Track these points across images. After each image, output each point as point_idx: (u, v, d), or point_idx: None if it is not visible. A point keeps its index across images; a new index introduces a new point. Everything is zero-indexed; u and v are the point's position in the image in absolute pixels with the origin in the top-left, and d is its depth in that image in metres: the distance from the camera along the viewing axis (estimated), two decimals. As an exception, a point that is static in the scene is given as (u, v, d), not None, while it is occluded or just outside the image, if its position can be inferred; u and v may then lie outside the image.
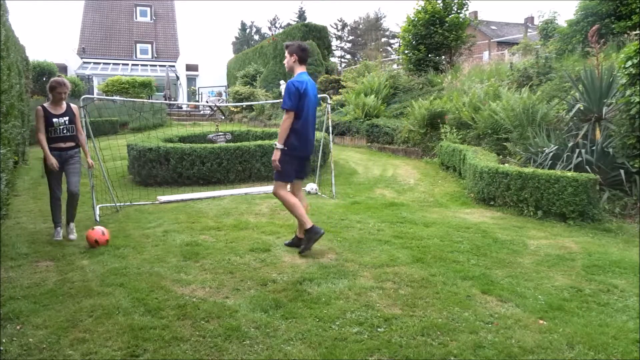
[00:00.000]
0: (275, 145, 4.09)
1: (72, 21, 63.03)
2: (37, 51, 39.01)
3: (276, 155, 4.09)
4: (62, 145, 4.74)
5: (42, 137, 4.63)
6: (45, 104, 4.77)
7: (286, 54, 4.27)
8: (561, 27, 12.80)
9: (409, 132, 11.13)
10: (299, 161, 4.27)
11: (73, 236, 4.79)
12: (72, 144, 4.82)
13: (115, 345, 2.62)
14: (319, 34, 20.56)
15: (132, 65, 30.34)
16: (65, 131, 4.74)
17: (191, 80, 33.28)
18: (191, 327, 2.84)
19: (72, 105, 4.88)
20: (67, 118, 4.75)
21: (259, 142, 8.68)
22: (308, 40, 19.59)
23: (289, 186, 4.38)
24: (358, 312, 3.04)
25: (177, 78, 30.62)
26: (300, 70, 4.23)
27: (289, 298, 3.25)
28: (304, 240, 4.19)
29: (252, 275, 3.68)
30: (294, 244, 4.38)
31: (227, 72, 29.96)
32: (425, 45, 14.77)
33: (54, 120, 4.69)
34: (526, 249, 4.43)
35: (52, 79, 4.79)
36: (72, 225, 4.88)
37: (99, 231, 4.49)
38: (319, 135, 8.99)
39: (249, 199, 6.61)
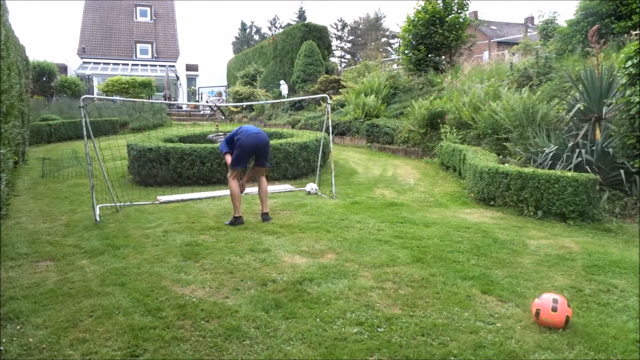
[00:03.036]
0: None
1: (72, 21, 63.07)
2: (37, 51, 39.03)
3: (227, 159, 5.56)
4: None
5: None
6: None
7: None
8: (561, 27, 12.78)
9: (409, 132, 11.13)
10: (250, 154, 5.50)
11: None
12: None
13: (115, 345, 2.62)
14: (319, 34, 20.55)
15: (132, 65, 30.33)
16: None
17: (191, 80, 33.28)
18: (191, 327, 2.84)
19: None
20: None
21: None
22: (308, 40, 19.61)
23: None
24: (358, 312, 3.04)
25: (177, 78, 30.63)
26: None
27: (289, 298, 3.25)
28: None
29: (252, 275, 3.68)
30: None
31: (227, 72, 29.98)
32: (425, 45, 14.76)
33: None
34: (526, 249, 4.43)
35: None
36: None
37: (564, 303, 2.84)
38: (319, 135, 9.02)
39: (249, 199, 6.60)
